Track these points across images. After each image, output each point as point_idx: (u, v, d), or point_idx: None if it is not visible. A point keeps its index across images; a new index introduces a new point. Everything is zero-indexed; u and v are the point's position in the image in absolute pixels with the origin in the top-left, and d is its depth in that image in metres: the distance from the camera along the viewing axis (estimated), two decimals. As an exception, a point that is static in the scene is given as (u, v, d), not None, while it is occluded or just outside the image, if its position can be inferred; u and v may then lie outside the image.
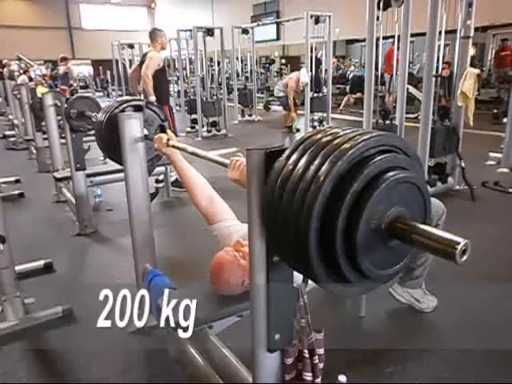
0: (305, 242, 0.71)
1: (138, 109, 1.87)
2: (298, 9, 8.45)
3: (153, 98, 4.16)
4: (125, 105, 1.88)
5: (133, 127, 1.70)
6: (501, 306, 2.12)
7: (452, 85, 3.89)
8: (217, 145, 6.82)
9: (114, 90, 14.50)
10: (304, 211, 0.70)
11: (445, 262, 0.68)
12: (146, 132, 1.79)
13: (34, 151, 5.53)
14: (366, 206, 0.69)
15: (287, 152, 0.79)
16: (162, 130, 1.87)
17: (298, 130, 7.57)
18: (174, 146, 1.63)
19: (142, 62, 4.59)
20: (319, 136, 0.77)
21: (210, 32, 7.56)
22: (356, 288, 0.81)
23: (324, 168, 0.69)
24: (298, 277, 1.09)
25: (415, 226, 0.71)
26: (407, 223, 0.72)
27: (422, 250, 0.71)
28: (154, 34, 4.50)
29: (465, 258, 0.64)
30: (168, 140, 1.64)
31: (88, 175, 3.26)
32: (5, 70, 11.88)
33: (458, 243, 0.64)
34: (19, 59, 11.62)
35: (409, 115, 5.55)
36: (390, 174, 0.71)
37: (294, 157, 0.76)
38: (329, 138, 0.75)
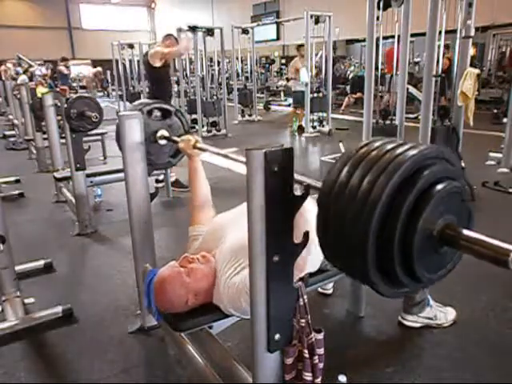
0: (363, 254, 0.73)
1: (166, 114, 1.91)
2: (298, 9, 8.45)
3: (181, 48, 4.35)
4: (152, 106, 1.89)
5: (133, 127, 1.70)
6: (501, 305, 2.12)
7: (451, 82, 3.88)
8: (217, 145, 6.82)
9: (114, 89, 14.50)
10: (362, 223, 0.72)
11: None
12: (167, 134, 1.85)
13: (34, 151, 5.53)
14: (422, 216, 0.72)
15: (338, 165, 0.81)
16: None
17: (301, 129, 7.50)
18: (200, 149, 1.69)
19: (145, 63, 4.58)
20: (368, 150, 0.80)
21: (210, 32, 7.56)
22: (404, 289, 0.84)
23: (380, 181, 0.72)
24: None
25: (465, 234, 0.73)
26: (457, 230, 0.74)
27: (473, 256, 0.72)
28: (166, 37, 4.53)
29: None
30: (195, 142, 1.70)
31: (88, 175, 3.25)
32: (2, 68, 11.91)
33: (511, 251, 0.65)
34: (19, 59, 11.65)
35: (409, 115, 5.56)
36: (442, 184, 0.74)
37: (346, 170, 0.78)
38: (379, 151, 0.77)
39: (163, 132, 1.85)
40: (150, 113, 1.88)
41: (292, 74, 7.56)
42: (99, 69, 13.16)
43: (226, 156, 1.43)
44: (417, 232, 0.72)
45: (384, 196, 0.71)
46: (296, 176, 0.98)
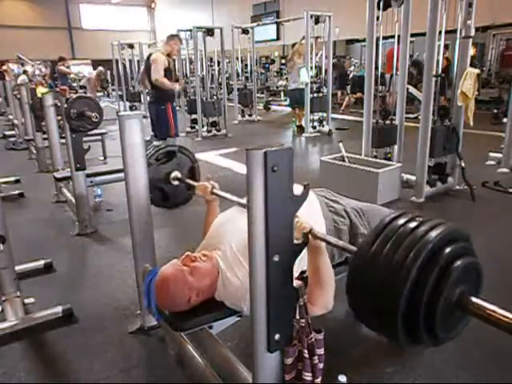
0: (394, 317, 0.84)
1: (171, 155, 1.97)
2: (298, 9, 8.44)
3: (177, 86, 4.61)
4: (158, 152, 1.96)
5: (133, 127, 1.70)
6: (501, 305, 2.12)
7: (451, 81, 3.88)
8: (217, 145, 6.83)
9: (113, 89, 14.49)
10: (395, 291, 0.83)
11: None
12: (179, 175, 1.94)
13: (34, 151, 5.53)
14: (445, 289, 0.83)
15: (371, 237, 0.90)
16: (192, 172, 2.03)
17: (301, 129, 7.48)
18: (217, 195, 1.74)
19: (147, 67, 4.59)
20: (395, 226, 0.90)
21: (210, 32, 7.56)
22: (424, 345, 0.94)
23: (410, 258, 0.83)
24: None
25: (474, 302, 0.85)
26: (468, 299, 0.86)
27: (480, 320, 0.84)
28: (170, 38, 4.54)
29: None
30: (212, 188, 1.75)
31: (88, 175, 3.25)
32: (3, 67, 11.92)
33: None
34: (19, 59, 11.67)
35: (409, 115, 5.55)
36: (460, 261, 0.85)
37: (378, 242, 0.89)
38: (405, 228, 0.89)
39: (176, 174, 1.93)
40: (157, 159, 1.93)
41: (293, 60, 7.19)
42: (101, 68, 13.15)
43: (243, 205, 1.42)
44: (440, 301, 0.83)
45: (413, 272, 0.82)
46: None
